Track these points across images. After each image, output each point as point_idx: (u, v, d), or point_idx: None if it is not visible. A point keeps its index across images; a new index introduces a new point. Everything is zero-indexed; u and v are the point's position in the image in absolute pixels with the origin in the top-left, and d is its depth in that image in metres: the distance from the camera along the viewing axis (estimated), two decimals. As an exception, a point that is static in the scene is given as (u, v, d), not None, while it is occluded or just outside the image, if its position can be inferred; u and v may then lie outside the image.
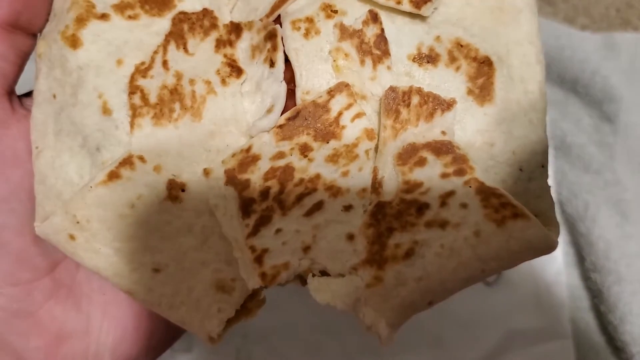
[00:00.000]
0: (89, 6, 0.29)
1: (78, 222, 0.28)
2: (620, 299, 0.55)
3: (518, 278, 0.59)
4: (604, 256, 0.56)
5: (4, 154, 0.29)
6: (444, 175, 0.27)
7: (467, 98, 0.28)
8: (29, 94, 0.32)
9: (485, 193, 0.26)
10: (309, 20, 0.28)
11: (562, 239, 0.61)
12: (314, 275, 0.27)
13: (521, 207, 0.27)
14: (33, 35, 0.30)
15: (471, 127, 0.28)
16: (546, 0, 0.67)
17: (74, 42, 0.28)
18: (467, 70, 0.28)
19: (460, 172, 0.27)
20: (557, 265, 0.59)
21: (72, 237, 0.28)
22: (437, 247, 0.26)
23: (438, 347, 0.56)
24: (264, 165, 0.27)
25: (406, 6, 0.28)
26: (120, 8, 0.29)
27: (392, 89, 0.27)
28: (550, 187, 0.29)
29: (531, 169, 0.28)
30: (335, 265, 0.27)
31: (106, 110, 0.28)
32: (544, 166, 0.29)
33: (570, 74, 0.62)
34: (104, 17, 0.29)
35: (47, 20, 0.30)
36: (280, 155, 0.27)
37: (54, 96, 0.29)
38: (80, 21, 0.28)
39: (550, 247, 0.28)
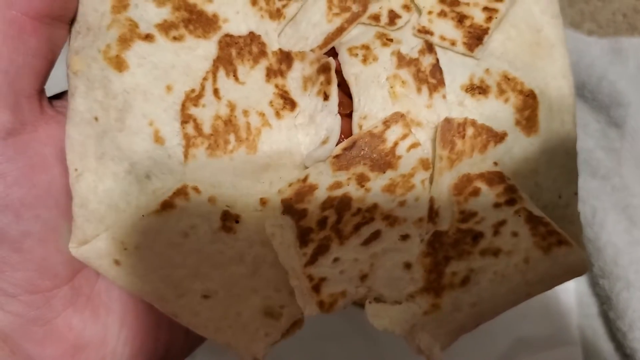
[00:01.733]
0: (132, 25, 0.28)
1: (126, 249, 0.28)
2: (629, 305, 0.54)
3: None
4: (612, 262, 0.56)
5: (31, 159, 0.28)
6: (497, 205, 0.28)
7: (515, 128, 0.29)
8: (59, 96, 0.31)
9: (534, 222, 0.28)
10: (366, 47, 0.29)
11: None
12: (370, 302, 0.28)
13: (564, 235, 0.28)
14: (66, 24, 0.28)
15: (519, 156, 0.29)
16: (552, 6, 0.68)
17: (118, 64, 0.27)
18: (515, 102, 0.29)
19: (511, 202, 0.28)
20: (564, 272, 0.60)
21: (117, 262, 0.28)
22: (491, 273, 0.28)
23: (446, 354, 0.57)
24: (321, 195, 0.27)
25: (460, 48, 0.29)
26: (164, 28, 0.28)
27: (448, 121, 0.28)
28: (579, 212, 0.31)
29: (568, 196, 0.30)
30: (392, 293, 0.28)
31: (158, 139, 0.27)
32: (576, 193, 0.30)
33: (577, 79, 0.61)
34: (148, 37, 0.28)
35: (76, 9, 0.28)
36: (337, 185, 0.27)
37: (96, 118, 0.28)
38: (124, 41, 0.28)
39: (584, 270, 0.29)
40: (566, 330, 0.57)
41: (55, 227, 0.28)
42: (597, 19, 0.67)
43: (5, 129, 0.27)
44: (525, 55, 0.30)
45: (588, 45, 0.63)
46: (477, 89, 0.29)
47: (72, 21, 0.28)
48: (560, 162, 0.30)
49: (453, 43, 0.29)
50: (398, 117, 0.28)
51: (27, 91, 0.28)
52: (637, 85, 0.61)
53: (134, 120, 0.27)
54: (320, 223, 0.27)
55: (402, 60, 0.29)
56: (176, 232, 0.27)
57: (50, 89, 0.30)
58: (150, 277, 0.28)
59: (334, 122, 0.28)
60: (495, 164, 0.28)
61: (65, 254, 0.29)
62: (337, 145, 0.28)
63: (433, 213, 0.28)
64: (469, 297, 0.28)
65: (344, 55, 0.28)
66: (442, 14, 0.29)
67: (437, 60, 0.29)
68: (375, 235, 0.27)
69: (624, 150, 0.61)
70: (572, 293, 0.59)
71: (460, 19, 0.29)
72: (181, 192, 0.27)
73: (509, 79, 0.29)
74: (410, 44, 0.29)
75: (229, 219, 0.27)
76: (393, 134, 0.27)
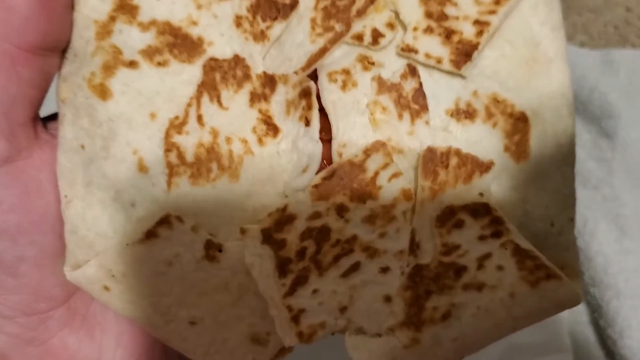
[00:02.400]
0: (116, 52, 0.28)
1: (113, 276, 0.28)
2: (619, 313, 0.55)
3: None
4: (602, 271, 0.57)
5: (27, 185, 0.28)
6: (482, 238, 0.27)
7: (504, 155, 0.27)
8: (54, 116, 0.32)
9: (521, 255, 0.27)
10: (346, 72, 0.28)
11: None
12: (350, 334, 0.27)
13: (554, 268, 0.27)
14: (59, 53, 0.28)
15: (507, 184, 0.27)
16: (545, 19, 0.69)
17: (102, 93, 0.28)
18: (504, 126, 0.27)
19: (497, 234, 0.27)
20: (556, 280, 0.61)
21: (106, 288, 0.29)
22: (474, 308, 0.27)
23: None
24: (300, 225, 0.27)
25: (446, 65, 0.27)
26: (148, 54, 0.28)
27: (430, 150, 0.27)
28: (576, 238, 0.29)
29: (562, 223, 0.28)
30: (372, 326, 0.27)
31: (142, 168, 0.28)
32: (572, 219, 0.29)
33: None
34: (132, 64, 0.28)
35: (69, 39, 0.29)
36: (316, 215, 0.27)
37: (82, 146, 0.28)
38: (108, 69, 0.28)
39: (576, 302, 0.28)
40: (558, 337, 0.58)
41: (51, 251, 0.29)
42: (589, 31, 0.68)
43: (0, 157, 0.28)
44: (519, 73, 0.28)
45: (580, 57, 0.64)
46: (464, 114, 0.27)
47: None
48: (554, 188, 0.28)
49: (439, 61, 0.28)
50: (379, 145, 0.27)
51: (21, 119, 0.28)
52: (628, 97, 0.62)
53: (118, 148, 0.28)
54: (299, 253, 0.27)
55: (382, 86, 0.28)
56: (160, 261, 0.28)
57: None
58: (139, 304, 0.28)
59: (315, 149, 0.28)
60: (481, 194, 0.27)
61: (61, 277, 0.29)
62: (317, 173, 0.27)
63: (414, 245, 0.27)
64: (450, 332, 0.27)
65: (323, 81, 0.28)
66: (428, 30, 0.28)
67: (420, 84, 0.27)
68: (355, 267, 0.27)
69: (615, 161, 0.62)
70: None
71: (448, 34, 0.28)
72: (164, 221, 0.27)
73: (498, 101, 0.27)
74: (392, 68, 0.28)
75: (212, 248, 0.28)
76: (374, 163, 0.27)
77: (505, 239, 0.27)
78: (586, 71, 0.62)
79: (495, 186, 0.27)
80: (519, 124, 0.27)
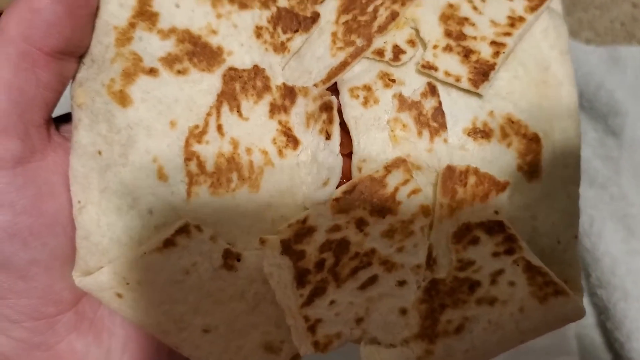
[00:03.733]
0: (136, 59, 0.28)
1: (128, 284, 0.28)
2: (626, 315, 0.54)
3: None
4: (609, 272, 0.56)
5: (40, 188, 0.28)
6: (495, 254, 0.28)
7: (517, 174, 0.28)
8: (65, 117, 0.31)
9: (532, 271, 0.28)
10: (367, 88, 0.28)
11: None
12: (365, 344, 0.28)
13: (562, 285, 0.28)
14: (76, 58, 0.28)
15: (519, 202, 0.28)
16: (550, 15, 0.68)
17: (122, 100, 0.28)
18: (518, 146, 0.28)
19: (510, 252, 0.28)
20: (561, 281, 0.60)
21: (119, 295, 0.29)
22: (485, 322, 0.28)
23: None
24: (319, 237, 0.27)
25: (465, 84, 0.28)
26: (168, 62, 0.28)
27: (450, 168, 0.27)
28: (578, 254, 0.30)
29: (567, 240, 0.30)
30: (387, 337, 0.28)
31: (162, 176, 0.28)
32: (576, 236, 0.30)
33: None
34: (152, 72, 0.28)
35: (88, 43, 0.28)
36: (336, 228, 0.27)
37: (100, 152, 0.28)
38: (128, 76, 0.28)
39: (580, 316, 0.30)
40: (564, 340, 0.57)
41: (61, 254, 0.29)
42: (595, 28, 0.67)
43: (14, 157, 0.27)
44: (531, 95, 0.29)
45: (586, 54, 0.62)
46: (480, 133, 0.28)
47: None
48: (561, 207, 0.29)
49: (458, 79, 0.28)
50: (400, 162, 0.27)
51: (36, 121, 0.28)
52: (635, 94, 0.61)
53: (137, 156, 0.28)
54: (318, 265, 0.27)
55: (403, 103, 0.28)
56: (178, 269, 0.28)
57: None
58: (152, 311, 0.28)
59: (336, 162, 0.28)
60: (496, 212, 0.28)
61: (70, 280, 0.29)
62: (337, 186, 0.28)
63: (431, 260, 0.28)
64: (462, 344, 0.28)
65: (345, 97, 0.28)
66: (447, 48, 0.29)
67: (440, 103, 0.28)
68: (372, 280, 0.28)
69: (622, 160, 0.60)
70: (570, 302, 0.59)
71: (467, 53, 0.29)
72: (183, 230, 0.27)
73: (512, 122, 0.28)
74: (413, 86, 0.28)
75: (230, 257, 0.28)
76: (394, 179, 0.27)
77: (518, 255, 0.28)
78: (592, 68, 0.60)
79: (507, 204, 0.28)
80: (532, 144, 0.28)
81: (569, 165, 0.29)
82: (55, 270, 0.29)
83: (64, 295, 0.30)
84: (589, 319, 0.58)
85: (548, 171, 0.29)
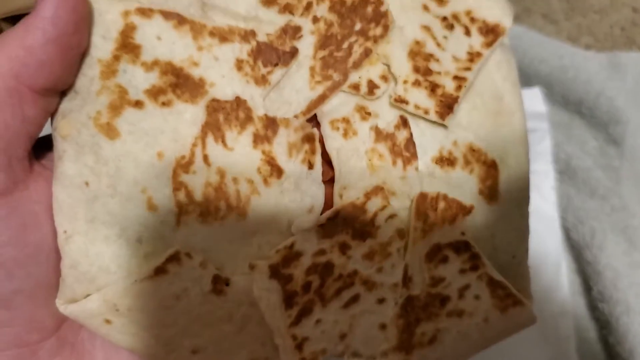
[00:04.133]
0: (122, 92, 0.28)
1: (117, 310, 0.29)
2: (629, 330, 0.52)
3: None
4: (611, 285, 0.53)
5: (24, 218, 0.28)
6: (462, 271, 0.31)
7: (479, 197, 0.32)
8: (41, 143, 0.31)
9: (494, 285, 0.31)
10: (346, 120, 0.30)
11: (568, 267, 0.58)
12: (347, 357, 0.30)
13: (519, 296, 0.32)
14: (60, 93, 0.29)
15: (480, 222, 0.32)
16: (549, 19, 0.65)
17: (109, 132, 0.28)
18: (479, 172, 0.32)
19: (474, 268, 0.31)
20: (562, 295, 0.56)
21: (108, 321, 0.29)
22: (454, 333, 0.31)
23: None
24: (306, 261, 0.29)
25: (433, 116, 0.31)
26: (153, 94, 0.29)
27: (422, 195, 0.30)
28: (529, 266, 0.34)
29: (521, 254, 0.33)
30: (368, 350, 0.30)
31: (151, 206, 0.28)
32: (527, 250, 0.34)
33: (575, 95, 0.59)
34: (138, 104, 0.29)
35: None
36: (321, 252, 0.29)
37: (87, 183, 0.28)
38: (115, 109, 0.28)
39: (533, 323, 0.34)
40: (565, 356, 0.54)
41: (45, 282, 0.29)
42: (595, 33, 0.65)
43: None
44: (488, 125, 0.32)
45: (585, 60, 0.60)
46: (446, 161, 0.31)
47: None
48: (516, 225, 0.33)
49: (426, 112, 0.31)
50: (378, 190, 0.30)
51: (20, 154, 0.28)
52: (635, 102, 0.59)
53: (126, 187, 0.28)
54: (304, 287, 0.29)
55: (379, 135, 0.31)
56: (168, 295, 0.29)
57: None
58: (142, 335, 0.29)
59: (318, 191, 0.30)
60: (463, 233, 0.31)
61: (53, 307, 0.29)
62: (321, 213, 0.30)
63: (407, 279, 0.31)
64: (435, 354, 0.31)
65: (326, 129, 0.30)
66: (416, 83, 0.32)
67: (411, 134, 0.31)
68: (355, 298, 0.30)
69: (623, 169, 0.58)
70: (571, 317, 0.56)
71: (433, 87, 0.32)
72: (174, 257, 0.28)
73: (473, 150, 0.32)
74: (387, 118, 0.31)
75: (219, 282, 0.29)
76: (373, 205, 0.30)
77: (482, 271, 0.31)
78: (592, 75, 0.58)
79: (471, 226, 0.32)
80: (490, 170, 0.32)
81: (522, 188, 0.33)
82: (39, 298, 0.29)
83: (47, 322, 0.30)
84: (591, 333, 0.56)
85: (504, 195, 0.32)
